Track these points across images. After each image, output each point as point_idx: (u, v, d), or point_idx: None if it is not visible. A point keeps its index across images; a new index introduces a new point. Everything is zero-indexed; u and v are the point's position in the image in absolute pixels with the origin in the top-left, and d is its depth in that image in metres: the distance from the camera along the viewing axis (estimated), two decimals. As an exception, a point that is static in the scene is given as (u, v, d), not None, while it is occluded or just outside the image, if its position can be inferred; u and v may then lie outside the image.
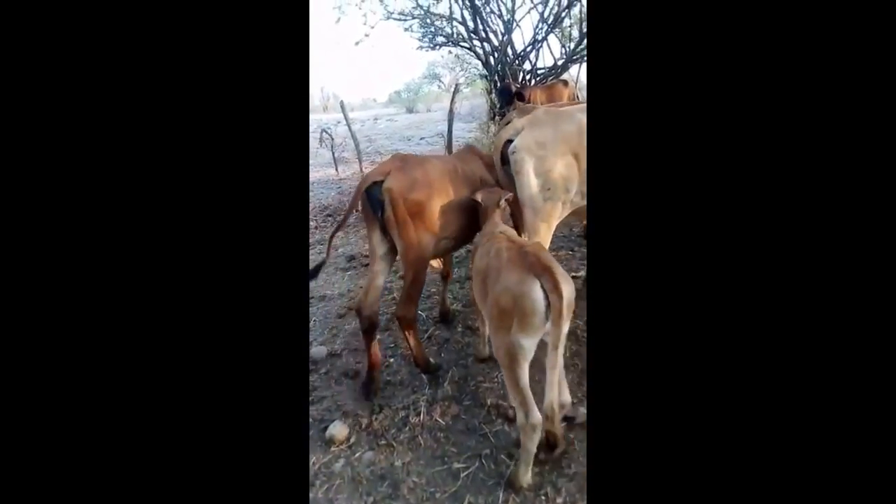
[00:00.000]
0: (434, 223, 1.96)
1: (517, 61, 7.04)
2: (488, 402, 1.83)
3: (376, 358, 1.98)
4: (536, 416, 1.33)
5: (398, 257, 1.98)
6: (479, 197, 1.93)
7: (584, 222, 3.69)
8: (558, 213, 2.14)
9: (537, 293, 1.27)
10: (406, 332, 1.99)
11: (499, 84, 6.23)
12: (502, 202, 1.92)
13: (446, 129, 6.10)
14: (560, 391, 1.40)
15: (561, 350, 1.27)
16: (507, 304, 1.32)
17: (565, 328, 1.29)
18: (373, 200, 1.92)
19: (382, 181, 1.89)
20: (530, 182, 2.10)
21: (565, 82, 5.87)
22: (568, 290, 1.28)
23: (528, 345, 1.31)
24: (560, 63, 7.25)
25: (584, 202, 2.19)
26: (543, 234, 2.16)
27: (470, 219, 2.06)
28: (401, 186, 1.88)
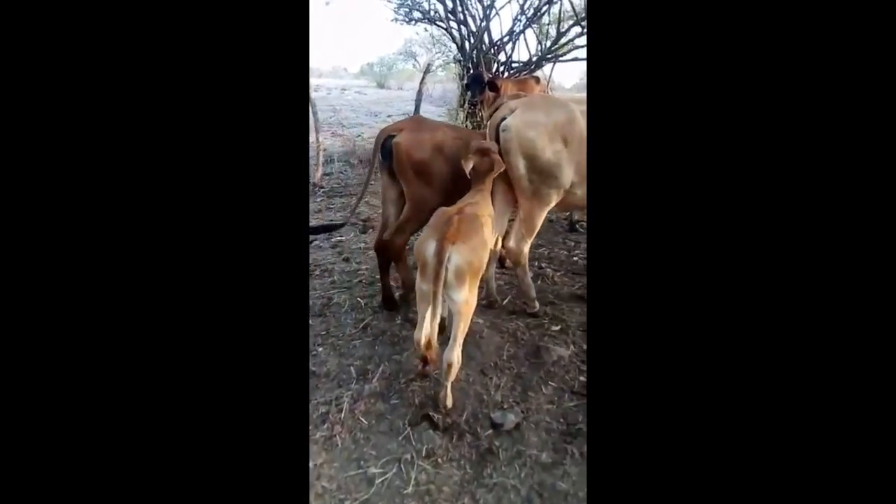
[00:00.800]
0: (436, 183, 2.21)
1: (493, 50, 6.90)
2: (416, 401, 1.74)
3: (387, 281, 2.37)
4: (416, 335, 1.62)
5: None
6: (470, 160, 1.97)
7: (571, 215, 3.74)
8: (548, 198, 2.20)
9: (429, 251, 1.56)
10: (394, 261, 2.32)
11: (471, 70, 6.06)
12: (494, 171, 1.99)
13: (414, 109, 5.89)
14: (450, 348, 1.62)
15: (437, 300, 1.53)
16: (415, 253, 1.67)
17: (442, 286, 1.53)
18: (385, 151, 2.22)
19: (394, 135, 2.20)
20: (518, 163, 2.16)
21: (537, 79, 5.80)
22: (456, 257, 1.54)
23: (424, 288, 1.59)
24: (535, 59, 7.20)
25: (578, 193, 2.24)
26: (532, 213, 2.19)
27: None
28: (408, 144, 2.18)
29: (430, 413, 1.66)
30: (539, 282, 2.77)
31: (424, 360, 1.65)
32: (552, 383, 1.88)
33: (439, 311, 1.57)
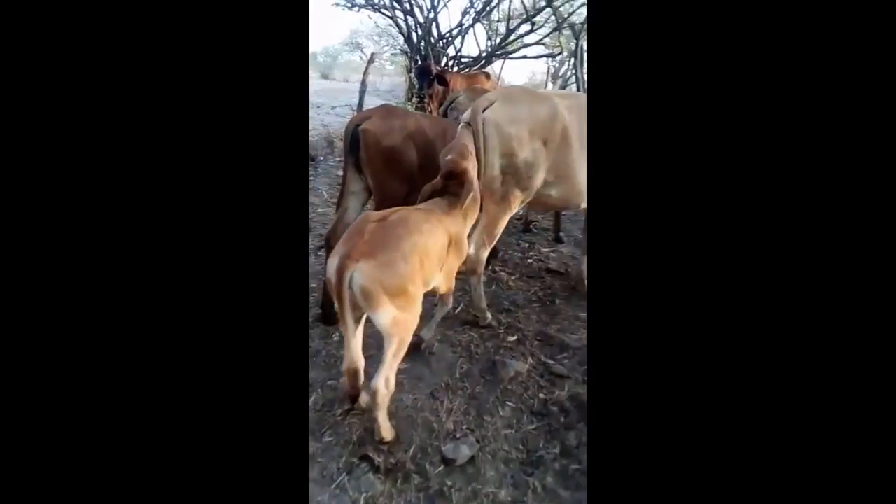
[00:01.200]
0: (406, 173, 2.04)
1: (441, 43, 6.69)
2: (354, 437, 1.48)
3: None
4: (343, 364, 1.40)
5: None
6: (448, 158, 1.70)
7: (526, 215, 3.57)
8: (516, 200, 2.00)
9: (330, 268, 1.36)
10: None
11: (419, 63, 5.79)
12: (462, 198, 1.68)
13: (357, 101, 5.53)
14: (377, 373, 1.41)
15: (347, 324, 1.35)
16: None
17: (349, 308, 1.33)
18: (353, 141, 2.02)
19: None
20: (492, 161, 1.93)
21: (488, 75, 5.68)
22: (359, 276, 1.30)
23: (336, 310, 1.39)
24: (485, 55, 7.09)
25: (552, 194, 2.07)
26: (497, 218, 2.00)
27: None
28: (378, 131, 2.00)
29: (370, 453, 1.40)
30: (493, 287, 2.60)
31: (350, 392, 1.42)
32: (510, 403, 1.69)
33: (353, 335, 1.37)
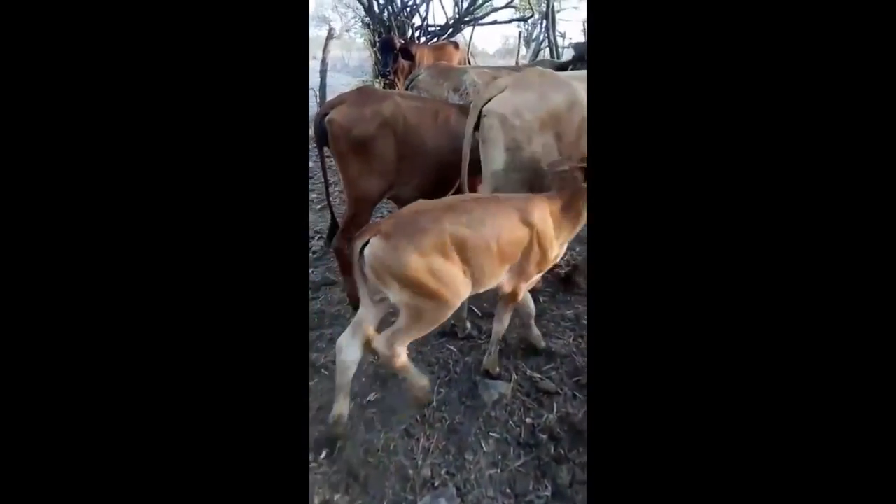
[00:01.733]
0: (383, 165, 1.81)
1: (405, 12, 6.19)
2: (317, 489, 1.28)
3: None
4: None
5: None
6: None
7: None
8: None
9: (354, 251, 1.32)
10: (341, 270, 2.04)
11: (382, 36, 5.33)
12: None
13: (318, 81, 5.10)
14: (382, 335, 1.37)
15: (363, 299, 1.37)
16: None
17: (362, 279, 1.33)
18: (321, 133, 1.80)
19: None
20: (496, 156, 1.69)
21: (456, 44, 5.29)
22: (368, 252, 1.27)
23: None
24: (452, 23, 6.62)
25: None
26: None
27: (449, 172, 1.85)
28: (345, 120, 1.76)
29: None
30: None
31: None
32: (493, 434, 1.51)
33: (366, 311, 1.36)
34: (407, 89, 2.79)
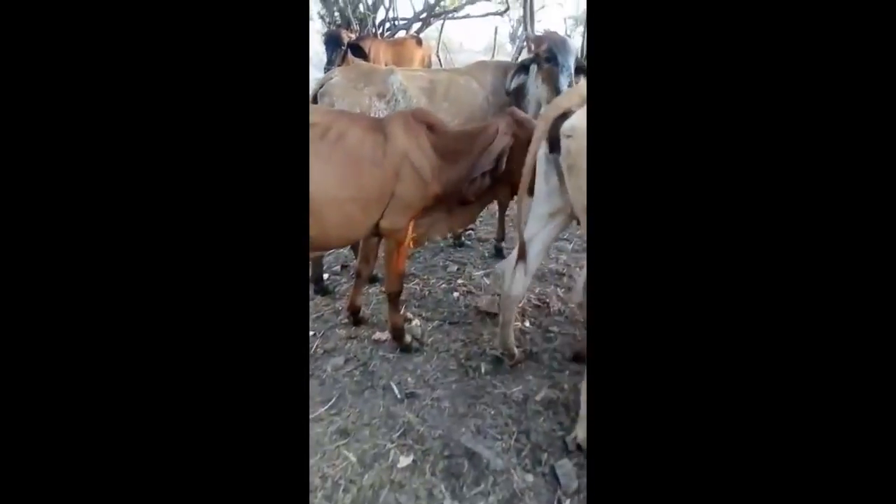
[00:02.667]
0: None
1: (367, 4, 5.61)
2: None
3: None
4: None
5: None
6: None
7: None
8: None
9: None
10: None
11: (330, 29, 4.74)
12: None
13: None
14: None
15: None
16: None
17: None
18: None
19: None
20: (582, 184, 1.28)
21: (419, 40, 4.74)
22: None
23: None
24: (422, 17, 6.06)
25: None
26: None
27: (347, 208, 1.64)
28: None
29: None
30: (394, 354, 1.86)
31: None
32: None
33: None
34: (314, 98, 2.24)
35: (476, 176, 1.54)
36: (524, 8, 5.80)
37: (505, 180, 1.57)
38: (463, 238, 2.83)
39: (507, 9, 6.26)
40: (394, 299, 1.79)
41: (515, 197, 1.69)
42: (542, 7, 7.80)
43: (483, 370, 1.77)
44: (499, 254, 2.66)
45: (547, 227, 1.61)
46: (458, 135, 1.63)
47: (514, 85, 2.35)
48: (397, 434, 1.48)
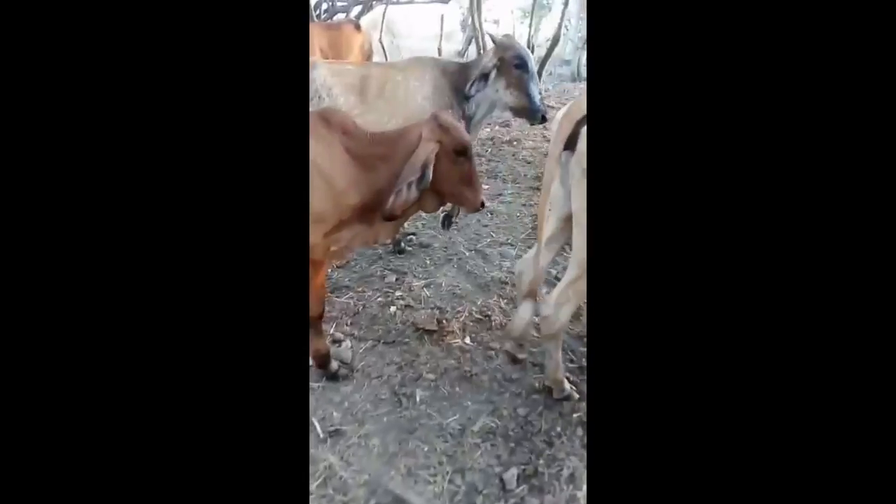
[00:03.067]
0: None
1: (301, -17, 5.18)
2: None
3: None
4: None
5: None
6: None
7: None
8: None
9: None
10: None
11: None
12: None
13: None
14: None
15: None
16: None
17: None
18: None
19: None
20: (583, 189, 1.30)
21: (357, 25, 4.43)
22: None
23: None
24: (363, 0, 5.69)
25: None
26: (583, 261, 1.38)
27: None
28: None
29: None
30: (319, 383, 1.66)
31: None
32: None
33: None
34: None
35: (400, 188, 1.36)
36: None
37: (432, 189, 1.41)
38: (403, 244, 2.65)
39: (453, -3, 6.06)
40: (315, 322, 1.59)
41: (442, 207, 1.60)
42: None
43: (418, 398, 1.63)
44: (447, 262, 2.52)
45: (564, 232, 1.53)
46: (377, 138, 1.46)
47: (475, 90, 2.23)
48: (317, 483, 1.31)
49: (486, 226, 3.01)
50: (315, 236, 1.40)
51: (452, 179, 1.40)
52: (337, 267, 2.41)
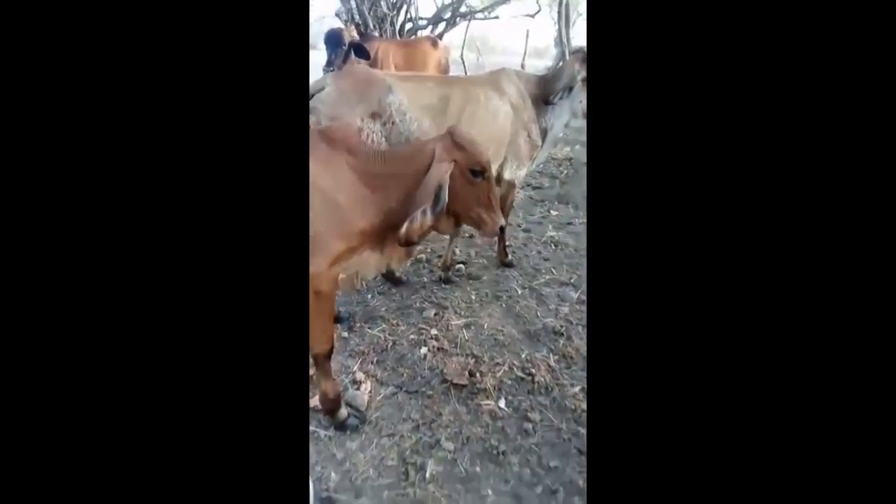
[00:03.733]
0: None
1: (388, 3, 5.28)
2: None
3: None
4: None
5: None
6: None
7: None
8: None
9: None
10: None
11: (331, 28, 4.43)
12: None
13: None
14: None
15: None
16: None
17: None
18: None
19: None
20: None
21: (434, 41, 4.36)
22: None
23: None
24: (445, 17, 5.68)
25: None
26: None
27: None
28: None
29: None
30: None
31: None
32: None
33: None
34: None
35: (415, 215, 1.16)
36: (560, 12, 5.25)
37: (446, 210, 1.25)
38: (451, 273, 2.42)
39: (538, 11, 5.78)
40: (321, 361, 1.41)
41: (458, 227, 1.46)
42: (580, 16, 7.23)
43: (429, 472, 1.35)
44: (495, 300, 2.23)
45: None
46: (387, 156, 1.32)
47: (558, 100, 2.21)
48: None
49: (546, 259, 2.65)
50: (320, 265, 1.24)
51: (468, 201, 1.29)
52: (378, 293, 2.25)
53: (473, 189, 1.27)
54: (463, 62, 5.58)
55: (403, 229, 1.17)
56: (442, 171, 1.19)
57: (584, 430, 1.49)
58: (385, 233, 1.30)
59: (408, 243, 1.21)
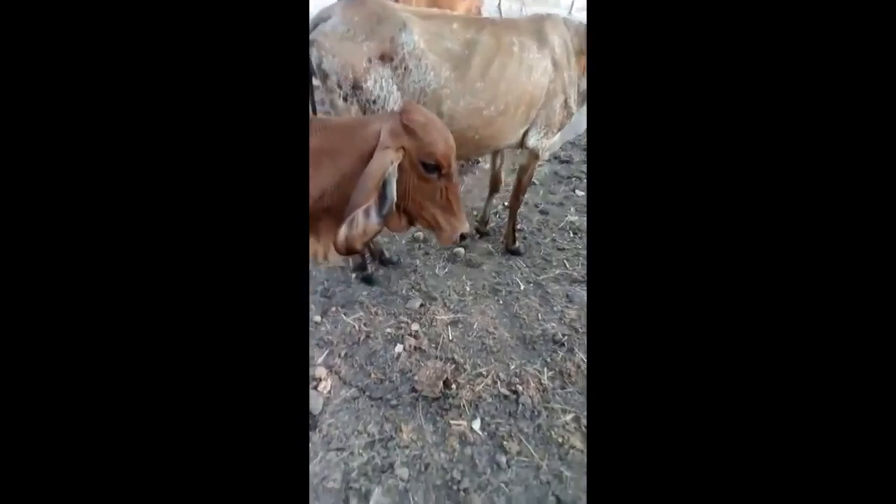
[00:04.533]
0: None
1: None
2: None
3: None
4: None
5: None
6: None
7: None
8: None
9: None
10: None
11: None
12: None
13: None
14: None
15: None
16: None
17: None
18: None
19: None
20: None
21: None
22: None
23: None
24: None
25: None
26: None
27: None
28: None
29: None
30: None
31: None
32: None
33: None
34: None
35: (354, 215, 0.89)
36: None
37: (398, 208, 1.02)
38: (488, 227, 2.20)
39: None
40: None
41: (413, 225, 1.14)
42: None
43: (372, 503, 1.15)
44: (492, 295, 1.94)
45: None
46: (319, 126, 1.05)
47: None
48: None
49: (561, 249, 2.30)
50: None
51: (421, 199, 1.03)
52: (363, 280, 2.00)
53: (428, 186, 1.00)
54: (500, 11, 4.97)
55: (342, 234, 0.91)
56: (386, 161, 0.91)
57: (568, 474, 1.23)
58: (319, 216, 1.05)
59: (349, 252, 0.93)
